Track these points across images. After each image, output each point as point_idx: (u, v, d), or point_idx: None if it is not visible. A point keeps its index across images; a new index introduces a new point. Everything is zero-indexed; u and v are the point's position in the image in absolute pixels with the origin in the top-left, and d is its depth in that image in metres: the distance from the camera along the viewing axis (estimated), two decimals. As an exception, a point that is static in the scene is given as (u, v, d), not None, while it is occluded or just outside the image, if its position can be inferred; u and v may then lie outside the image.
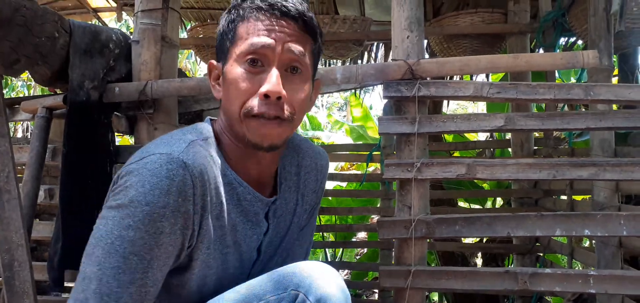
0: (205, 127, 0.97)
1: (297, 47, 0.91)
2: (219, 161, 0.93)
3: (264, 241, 1.02)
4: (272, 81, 0.87)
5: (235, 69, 0.90)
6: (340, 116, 11.74)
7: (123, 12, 3.59)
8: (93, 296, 0.77)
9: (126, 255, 0.79)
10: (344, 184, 4.95)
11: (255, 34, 0.90)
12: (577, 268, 2.84)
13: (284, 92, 0.88)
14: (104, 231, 0.80)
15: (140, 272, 0.80)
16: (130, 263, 0.79)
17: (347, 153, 3.69)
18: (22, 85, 8.32)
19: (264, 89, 0.87)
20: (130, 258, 0.79)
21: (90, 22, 1.72)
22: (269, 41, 0.89)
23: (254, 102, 0.88)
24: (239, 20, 0.93)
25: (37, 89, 6.97)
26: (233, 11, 0.95)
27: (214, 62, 1.00)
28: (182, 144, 0.86)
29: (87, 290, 0.78)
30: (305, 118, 9.24)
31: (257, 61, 0.89)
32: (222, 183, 0.92)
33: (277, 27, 0.90)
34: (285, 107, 0.90)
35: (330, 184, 5.09)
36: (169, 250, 0.83)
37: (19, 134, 6.92)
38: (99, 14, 3.94)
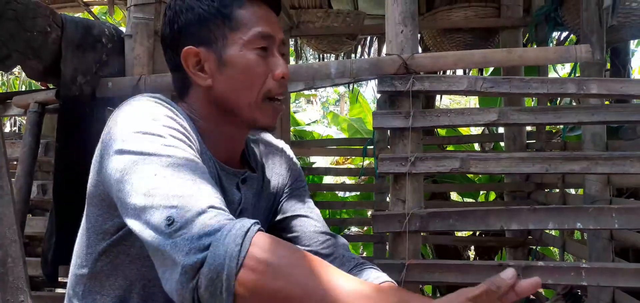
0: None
1: (283, 34, 1.00)
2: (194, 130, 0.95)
3: (236, 213, 1.01)
4: (283, 63, 0.95)
5: (248, 55, 0.92)
6: (335, 110, 11.74)
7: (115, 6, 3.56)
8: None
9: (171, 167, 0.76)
10: (340, 178, 4.96)
11: (261, 21, 0.94)
12: (569, 261, 2.87)
13: None
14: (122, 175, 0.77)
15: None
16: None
17: (341, 147, 3.69)
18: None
19: (280, 71, 0.94)
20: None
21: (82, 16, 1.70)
22: (273, 29, 0.95)
23: (271, 85, 0.94)
24: (235, 4, 0.93)
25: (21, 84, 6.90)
26: None
27: (193, 48, 0.92)
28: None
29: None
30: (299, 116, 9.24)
31: (266, 48, 0.94)
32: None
33: (271, 16, 0.97)
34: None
35: (325, 179, 5.10)
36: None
37: (7, 129, 6.85)
38: (90, 7, 3.91)
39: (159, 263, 0.71)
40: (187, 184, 0.73)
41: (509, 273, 0.67)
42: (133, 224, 0.75)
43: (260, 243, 0.68)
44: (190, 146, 0.83)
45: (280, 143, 1.19)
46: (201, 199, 0.72)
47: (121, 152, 0.79)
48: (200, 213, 0.70)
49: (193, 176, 0.75)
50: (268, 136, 1.18)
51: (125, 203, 0.77)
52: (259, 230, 0.70)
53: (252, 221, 0.71)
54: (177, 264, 0.67)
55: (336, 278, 0.68)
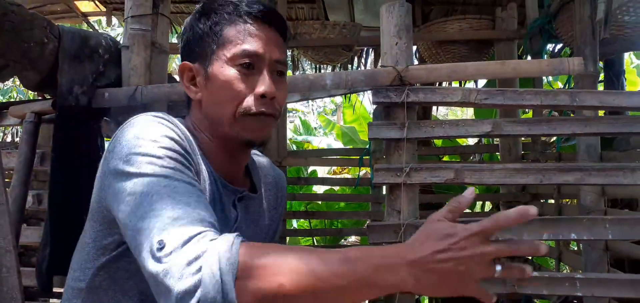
0: (180, 121, 1.00)
1: (282, 54, 0.99)
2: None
3: (232, 231, 1.01)
4: (267, 82, 0.94)
5: (228, 71, 0.93)
6: (332, 119, 11.75)
7: (113, 17, 3.57)
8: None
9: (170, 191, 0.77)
10: (335, 188, 4.97)
11: (248, 39, 0.94)
12: (564, 271, 2.88)
13: (276, 93, 0.95)
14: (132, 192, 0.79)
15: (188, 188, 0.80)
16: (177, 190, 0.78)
17: (338, 157, 3.70)
18: (8, 89, 8.18)
19: (261, 90, 0.93)
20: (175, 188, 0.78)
21: (80, 27, 1.71)
22: (262, 47, 0.95)
23: (250, 102, 0.93)
24: (226, 23, 0.96)
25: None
26: (213, 14, 0.97)
27: (187, 63, 1.00)
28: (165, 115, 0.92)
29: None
30: (298, 122, 9.27)
31: (251, 65, 0.94)
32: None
33: (265, 35, 0.96)
34: (276, 105, 0.97)
35: (321, 189, 5.10)
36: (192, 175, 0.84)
37: (8, 139, 6.84)
38: (88, 17, 3.93)
39: (154, 288, 0.73)
40: (181, 208, 0.75)
41: (467, 193, 0.79)
42: (130, 244, 0.78)
43: (248, 253, 0.70)
44: (188, 168, 0.84)
45: (281, 176, 1.21)
46: (194, 223, 0.73)
47: (121, 173, 0.82)
48: (191, 238, 0.71)
49: (188, 199, 0.77)
50: (269, 162, 1.20)
51: (122, 223, 0.80)
52: (242, 241, 0.72)
53: (234, 235, 0.73)
54: (171, 290, 0.68)
55: (323, 257, 0.71)
